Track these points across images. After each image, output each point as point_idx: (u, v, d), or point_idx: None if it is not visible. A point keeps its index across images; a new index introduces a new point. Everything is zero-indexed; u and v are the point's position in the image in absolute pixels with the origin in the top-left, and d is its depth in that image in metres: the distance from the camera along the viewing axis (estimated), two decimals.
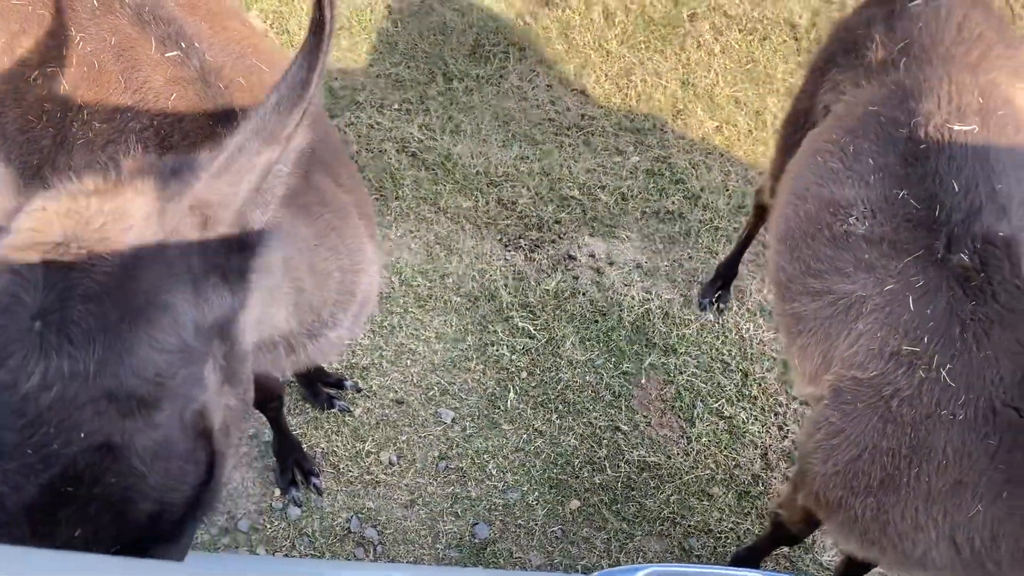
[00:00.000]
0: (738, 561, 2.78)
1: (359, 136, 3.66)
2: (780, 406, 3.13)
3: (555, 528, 2.91)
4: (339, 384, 3.09)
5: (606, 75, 3.85)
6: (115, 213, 1.00)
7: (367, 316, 1.96)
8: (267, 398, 2.63)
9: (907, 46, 2.19)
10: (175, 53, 1.61)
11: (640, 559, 2.86)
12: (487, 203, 3.52)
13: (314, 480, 2.92)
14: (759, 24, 3.98)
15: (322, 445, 3.02)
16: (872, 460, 1.83)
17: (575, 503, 2.96)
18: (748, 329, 3.30)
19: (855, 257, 1.97)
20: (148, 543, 0.95)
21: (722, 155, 3.68)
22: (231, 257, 1.05)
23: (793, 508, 2.27)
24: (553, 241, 3.47)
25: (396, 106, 3.77)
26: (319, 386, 3.06)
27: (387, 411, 3.09)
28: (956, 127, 2.00)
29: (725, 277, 3.33)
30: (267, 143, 1.02)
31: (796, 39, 3.97)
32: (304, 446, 2.97)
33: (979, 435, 1.69)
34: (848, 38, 2.38)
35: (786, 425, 3.10)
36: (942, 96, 2.05)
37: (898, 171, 1.99)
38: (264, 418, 2.94)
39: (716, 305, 3.35)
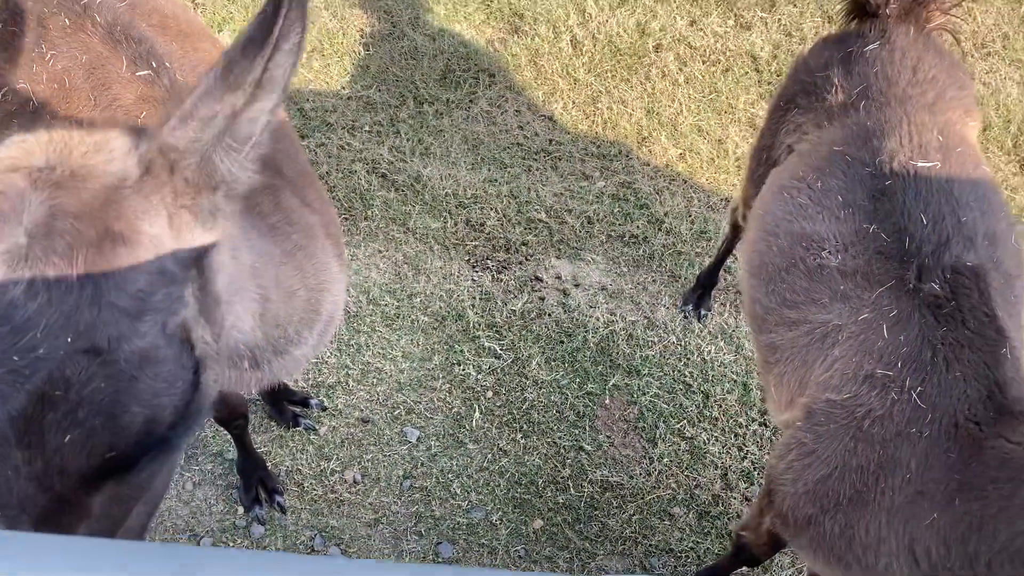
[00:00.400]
0: None
1: (330, 157, 3.69)
2: (740, 427, 3.20)
3: (518, 547, 2.93)
4: (305, 402, 3.10)
5: (573, 102, 3.93)
6: (97, 145, 1.05)
7: (332, 335, 1.99)
8: (232, 415, 2.64)
9: (866, 89, 2.30)
10: (146, 72, 1.64)
11: None
12: (455, 224, 3.57)
13: (278, 498, 2.91)
14: (722, 56, 4.10)
15: (287, 463, 3.02)
16: (842, 477, 1.90)
17: (539, 522, 2.99)
18: (709, 351, 3.37)
19: (830, 288, 2.05)
20: (140, 452, 0.98)
21: (685, 182, 3.77)
22: (199, 198, 1.09)
23: (758, 530, 2.32)
24: (520, 263, 3.52)
25: (367, 128, 3.81)
26: (284, 404, 3.06)
27: (352, 430, 3.10)
28: (920, 164, 2.10)
29: (705, 286, 3.42)
30: (231, 89, 1.03)
31: (758, 71, 4.09)
32: (268, 464, 2.97)
33: (941, 449, 1.77)
34: (807, 80, 2.48)
35: (746, 446, 3.16)
36: (903, 135, 2.16)
37: (867, 206, 2.09)
38: (228, 436, 2.94)
39: (698, 311, 3.43)
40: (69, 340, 0.92)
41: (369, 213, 3.56)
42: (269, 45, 1.00)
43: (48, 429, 0.92)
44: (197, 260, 1.09)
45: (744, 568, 2.86)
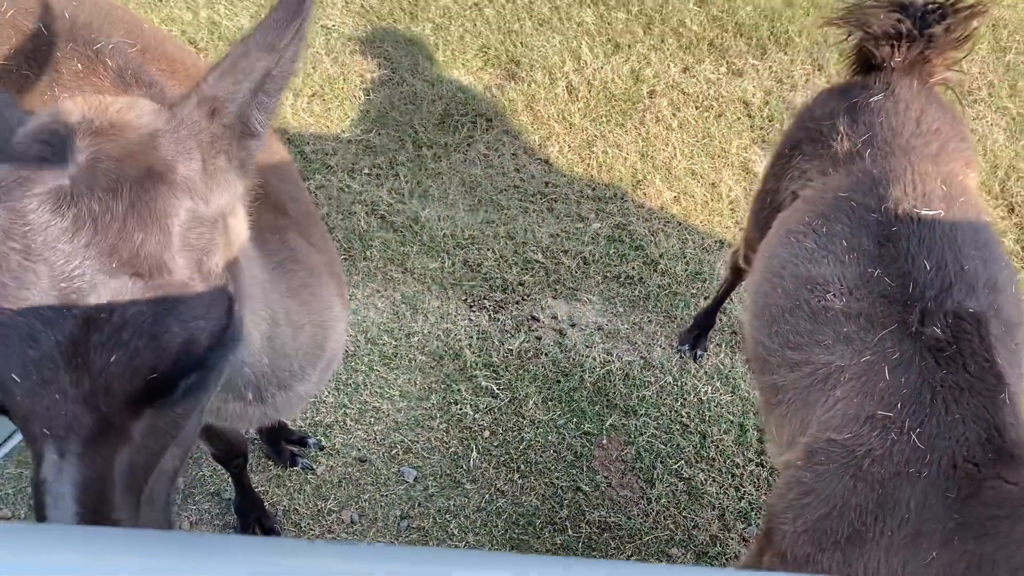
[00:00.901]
0: None
1: (330, 198, 3.75)
2: (737, 468, 3.20)
3: None
4: (302, 441, 3.10)
5: (569, 146, 4.01)
6: (129, 104, 1.13)
7: (332, 373, 2.01)
8: (232, 453, 2.64)
9: (871, 138, 2.36)
10: None
11: None
12: (453, 265, 3.61)
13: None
14: (715, 101, 4.19)
15: (284, 503, 3.01)
16: (841, 516, 1.91)
17: None
18: (706, 392, 3.39)
19: (834, 330, 2.08)
20: (179, 373, 1.03)
21: (680, 224, 3.83)
22: (234, 145, 1.18)
23: (758, 568, 2.32)
24: (517, 302, 3.56)
25: (366, 170, 3.87)
26: (282, 443, 3.06)
27: (350, 469, 3.09)
28: (924, 212, 2.15)
29: (702, 327, 3.45)
30: (267, 51, 1.13)
31: (749, 116, 4.18)
32: (266, 504, 2.96)
33: (940, 489, 1.79)
34: (813, 128, 2.54)
35: (743, 486, 3.17)
36: (908, 184, 2.21)
37: (872, 251, 2.13)
38: (226, 476, 2.93)
39: (695, 352, 3.46)
40: (114, 266, 0.99)
41: (368, 253, 3.60)
42: (301, 15, 1.13)
43: (94, 350, 0.97)
44: (224, 219, 1.16)
45: None
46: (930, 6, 2.45)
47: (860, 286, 2.06)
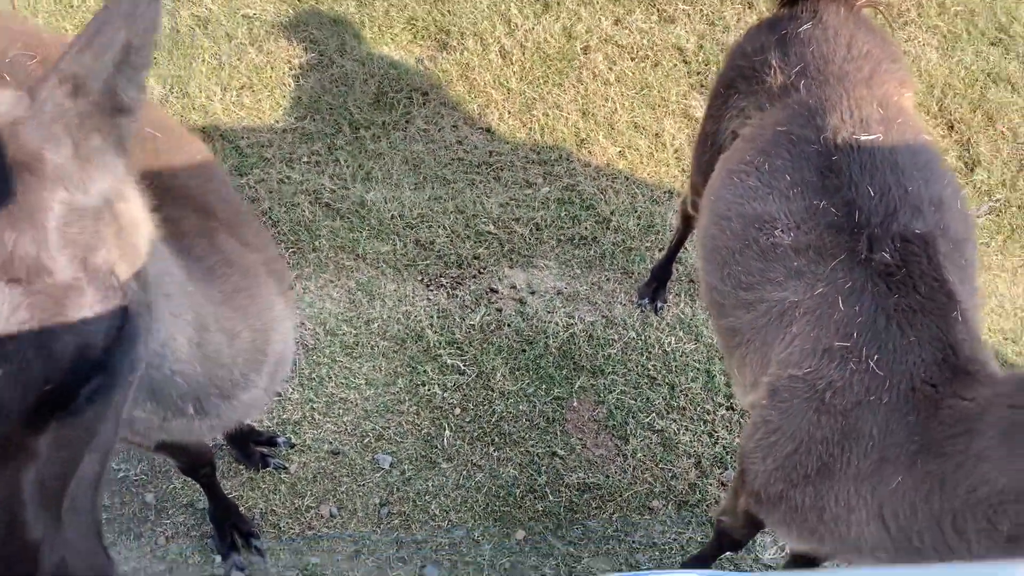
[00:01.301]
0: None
1: (270, 192, 3.66)
2: (708, 414, 3.23)
3: (503, 561, 2.92)
4: (272, 442, 3.06)
5: (509, 112, 3.95)
6: None
7: (284, 375, 1.97)
8: (197, 464, 2.59)
9: (803, 68, 2.34)
10: None
11: None
12: (405, 246, 3.56)
13: (254, 542, 2.87)
14: (649, 51, 4.15)
15: (260, 505, 2.97)
16: (808, 451, 1.93)
17: (520, 533, 2.98)
18: (670, 343, 3.40)
19: (784, 266, 2.09)
20: (77, 381, 0.97)
21: (627, 178, 3.81)
22: (106, 122, 1.08)
23: (735, 513, 2.35)
24: (474, 276, 3.52)
25: (305, 159, 3.79)
26: (251, 446, 3.01)
27: (323, 463, 3.06)
28: (863, 137, 2.15)
29: (660, 279, 3.45)
30: (124, 21, 1.05)
31: (686, 62, 4.15)
32: (241, 508, 2.92)
33: (901, 414, 1.81)
34: (745, 65, 2.52)
35: (716, 432, 3.20)
36: (844, 111, 2.21)
37: (815, 183, 2.13)
38: (198, 487, 2.88)
39: (655, 304, 3.46)
40: None
41: (317, 244, 3.53)
42: None
43: None
44: (111, 205, 1.08)
45: (728, 553, 2.89)
46: None
47: (807, 219, 2.06)
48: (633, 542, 2.98)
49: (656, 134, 3.93)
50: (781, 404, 1.96)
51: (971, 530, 1.60)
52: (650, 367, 3.34)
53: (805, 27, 2.42)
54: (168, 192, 1.73)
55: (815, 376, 1.90)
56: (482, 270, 3.54)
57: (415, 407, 3.19)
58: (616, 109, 3.98)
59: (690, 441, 3.18)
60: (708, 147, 2.62)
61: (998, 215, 3.85)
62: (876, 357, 1.82)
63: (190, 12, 4.12)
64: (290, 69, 4.07)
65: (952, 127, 4.07)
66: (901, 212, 1.98)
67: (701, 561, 2.80)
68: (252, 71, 4.04)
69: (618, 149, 3.88)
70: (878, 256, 1.93)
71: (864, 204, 2.00)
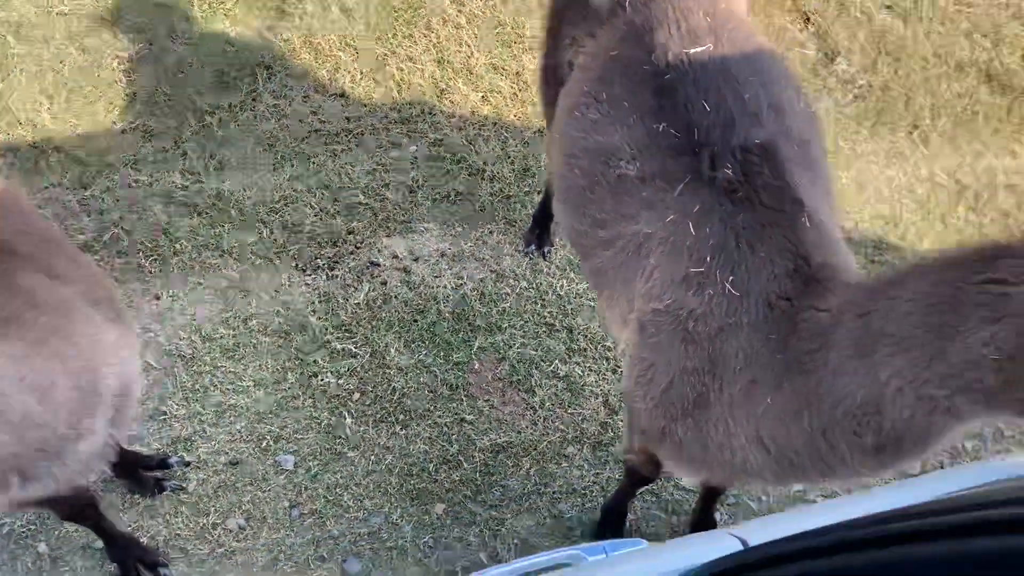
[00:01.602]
0: (607, 513, 2.82)
1: (118, 200, 3.40)
2: (609, 351, 3.19)
3: (426, 539, 2.84)
4: (163, 464, 2.88)
5: (361, 72, 3.75)
6: None
7: (134, 406, 1.81)
8: (78, 507, 2.42)
9: None
10: None
11: (515, 540, 2.85)
12: (272, 232, 3.37)
13: (163, 571, 2.72)
14: None
15: (163, 532, 2.82)
16: (683, 383, 1.88)
17: (440, 507, 2.91)
18: (562, 286, 3.32)
19: (635, 198, 2.01)
20: None
21: (495, 124, 3.68)
22: None
23: (634, 451, 2.32)
24: (351, 252, 3.36)
25: (151, 158, 3.53)
26: (141, 473, 2.84)
27: (223, 476, 2.91)
28: (693, 51, 2.05)
29: (542, 223, 3.35)
30: None
31: None
32: (143, 538, 2.76)
33: (763, 333, 1.76)
34: None
35: (619, 368, 3.16)
36: (671, 25, 2.10)
37: (652, 106, 2.04)
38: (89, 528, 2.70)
39: (542, 250, 3.37)
40: None
41: (177, 247, 3.31)
42: None
43: None
44: None
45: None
46: None
47: (649, 146, 1.98)
48: (554, 493, 2.94)
49: (516, 73, 3.79)
50: (650, 340, 1.90)
51: (842, 444, 1.57)
52: (546, 314, 3.27)
53: None
54: None
55: (676, 307, 1.84)
56: (359, 244, 3.38)
57: (311, 400, 3.06)
58: (472, 53, 3.82)
59: (596, 381, 3.13)
60: (551, 82, 2.50)
61: (863, 101, 3.87)
62: (731, 278, 1.76)
63: None
64: (119, 64, 3.76)
65: (808, 19, 4.05)
66: (739, 123, 1.91)
67: (620, 498, 2.78)
68: (78, 73, 3.72)
69: (480, 95, 3.73)
70: (721, 173, 1.86)
71: (701, 121, 1.93)
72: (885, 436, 1.49)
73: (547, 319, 3.26)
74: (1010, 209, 3.61)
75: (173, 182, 3.44)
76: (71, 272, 1.78)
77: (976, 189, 3.65)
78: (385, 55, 3.80)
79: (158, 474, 2.87)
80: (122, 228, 3.34)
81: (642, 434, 2.05)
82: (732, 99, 1.95)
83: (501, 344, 3.20)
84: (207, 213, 3.39)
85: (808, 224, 1.77)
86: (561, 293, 3.32)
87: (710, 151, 1.92)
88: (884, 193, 3.64)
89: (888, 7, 4.06)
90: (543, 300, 3.30)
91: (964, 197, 3.63)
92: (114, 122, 3.63)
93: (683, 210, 1.90)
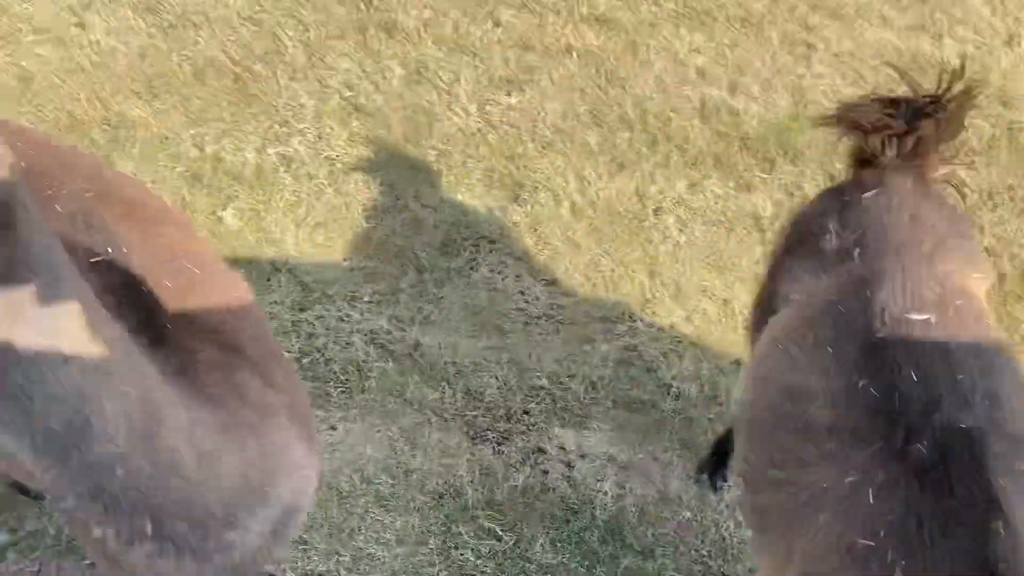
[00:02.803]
0: None
1: (328, 329, 3.64)
2: None
3: None
4: None
5: (575, 266, 3.90)
6: None
7: (295, 527, 1.83)
8: None
9: (862, 237, 2.21)
10: (98, 259, 1.60)
11: None
12: (455, 394, 3.45)
13: None
14: (723, 216, 4.09)
15: None
16: None
17: None
18: (728, 527, 3.12)
19: (817, 448, 1.89)
20: None
21: (693, 344, 3.65)
22: None
23: None
24: (522, 433, 3.36)
25: (367, 298, 3.78)
26: None
27: None
28: (914, 316, 1.97)
29: (721, 454, 3.21)
30: None
31: (760, 230, 4.06)
32: None
33: None
34: (804, 230, 2.42)
35: None
36: (898, 286, 2.04)
37: (858, 360, 1.95)
38: None
39: (714, 481, 3.21)
40: None
41: (366, 385, 3.45)
42: None
43: None
44: None
45: None
46: (923, 100, 2.34)
47: (844, 399, 1.87)
48: None
49: (725, 300, 3.79)
50: None
51: None
52: (704, 552, 3.06)
53: (869, 195, 2.30)
54: (192, 324, 1.68)
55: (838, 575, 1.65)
56: (531, 427, 3.38)
57: (445, 572, 2.98)
58: (685, 272, 3.88)
59: None
60: (764, 309, 2.47)
61: None
62: (904, 563, 1.57)
63: (276, 151, 4.30)
64: (364, 211, 4.15)
65: None
66: (946, 401, 1.77)
67: None
68: (328, 211, 4.13)
69: (685, 313, 3.75)
70: (914, 448, 1.71)
71: (906, 390, 1.80)
72: None
73: (704, 558, 3.05)
74: None
75: (380, 325, 3.65)
76: (285, 386, 1.89)
77: None
78: (600, 256, 3.94)
79: None
80: (323, 355, 3.54)
81: None
82: (943, 375, 1.83)
83: (650, 571, 3.01)
84: (401, 360, 3.54)
85: (1002, 532, 1.57)
86: (725, 534, 3.10)
87: (908, 421, 1.78)
88: None
89: None
90: (704, 536, 3.10)
91: None
92: (345, 258, 3.96)
93: (867, 474, 1.75)
